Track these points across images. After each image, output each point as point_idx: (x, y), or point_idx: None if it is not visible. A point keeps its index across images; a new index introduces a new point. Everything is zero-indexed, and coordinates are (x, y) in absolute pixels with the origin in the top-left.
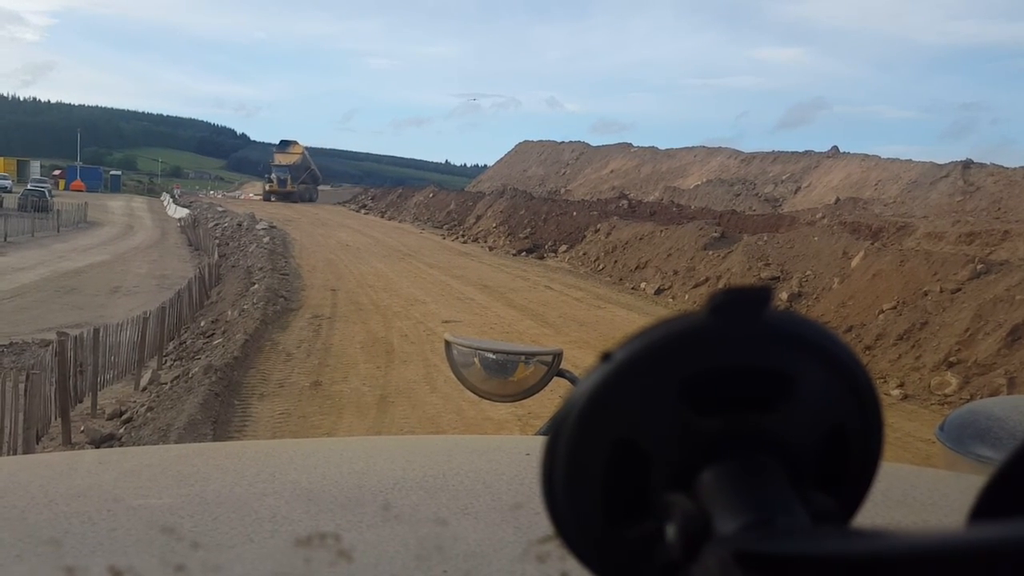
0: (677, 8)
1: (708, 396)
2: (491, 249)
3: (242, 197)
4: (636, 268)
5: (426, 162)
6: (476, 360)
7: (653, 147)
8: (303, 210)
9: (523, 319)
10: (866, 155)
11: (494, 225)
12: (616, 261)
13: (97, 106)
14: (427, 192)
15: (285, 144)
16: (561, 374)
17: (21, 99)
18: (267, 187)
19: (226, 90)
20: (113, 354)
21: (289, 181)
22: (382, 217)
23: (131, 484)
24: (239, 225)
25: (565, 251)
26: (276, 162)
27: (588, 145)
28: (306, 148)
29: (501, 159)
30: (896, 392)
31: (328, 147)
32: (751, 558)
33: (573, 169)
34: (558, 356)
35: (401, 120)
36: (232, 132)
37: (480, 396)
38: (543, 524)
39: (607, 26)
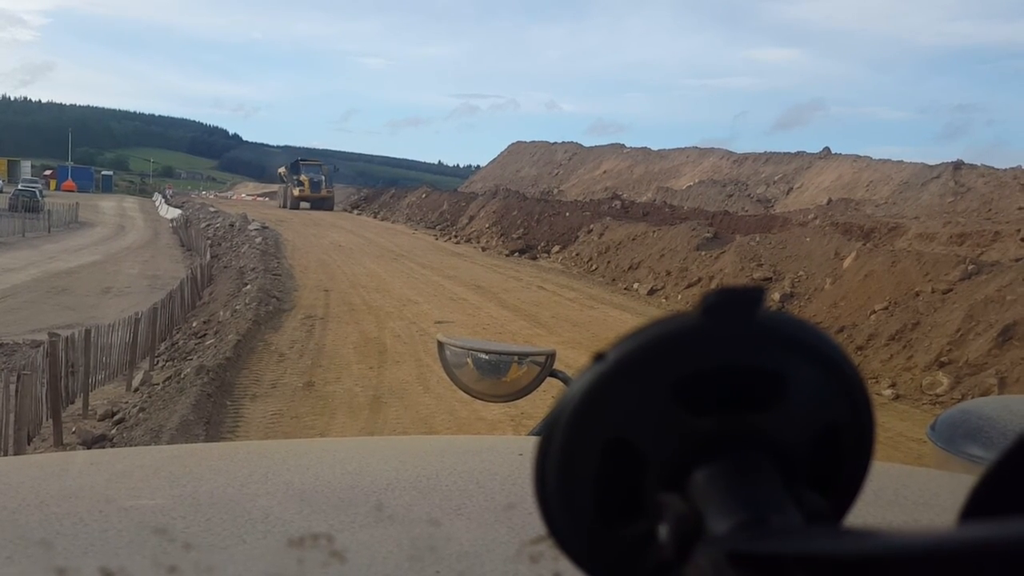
0: (674, 8)
1: (701, 396)
2: (484, 250)
3: (233, 197)
4: (629, 268)
5: (419, 162)
6: (469, 360)
7: (646, 148)
8: (296, 211)
9: (516, 319)
10: (858, 156)
11: (487, 226)
12: (609, 262)
13: (88, 106)
14: (420, 193)
15: (302, 164)
16: (554, 374)
17: (12, 99)
18: (296, 191)
19: (221, 90)
20: (104, 355)
21: (324, 183)
22: (375, 217)
23: (123, 485)
24: (231, 225)
25: (558, 251)
26: (281, 171)
27: (581, 146)
28: (301, 149)
29: (494, 159)
30: (888, 392)
31: (322, 147)
32: (744, 558)
33: (566, 170)
34: (551, 356)
35: (398, 121)
36: (224, 132)
37: (473, 396)
38: (536, 524)
39: (604, 27)
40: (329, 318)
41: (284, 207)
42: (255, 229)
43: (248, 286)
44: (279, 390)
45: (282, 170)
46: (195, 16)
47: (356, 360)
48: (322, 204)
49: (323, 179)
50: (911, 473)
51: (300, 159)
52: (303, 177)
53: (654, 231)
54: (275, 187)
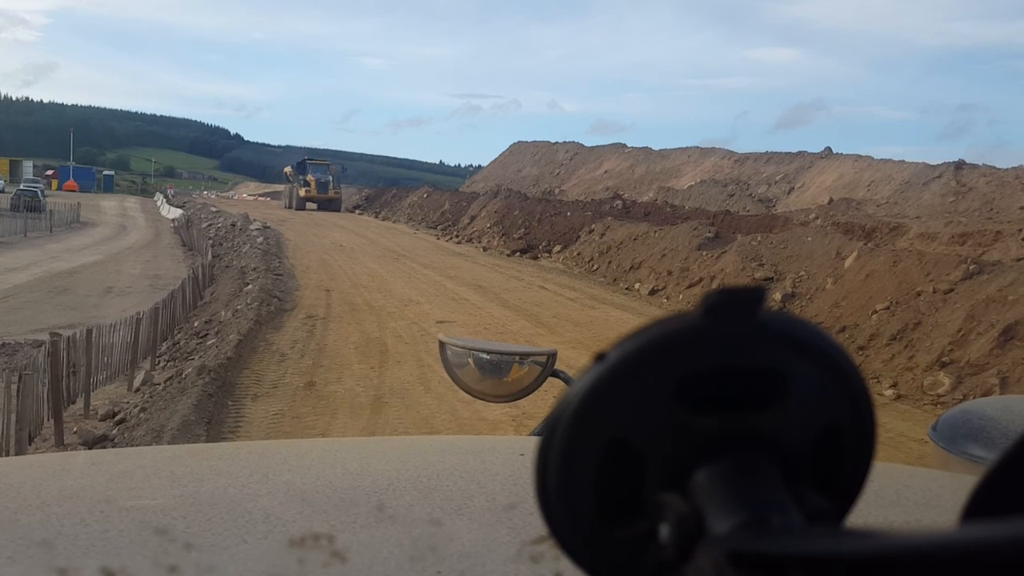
0: (675, 9)
1: (702, 396)
2: (485, 249)
3: (235, 197)
4: (630, 268)
5: (420, 162)
6: (470, 360)
7: (647, 147)
8: (299, 211)
9: (517, 319)
10: (859, 156)
11: (488, 225)
12: (610, 261)
13: (90, 106)
14: (421, 192)
15: (309, 163)
16: (555, 374)
17: (14, 99)
18: (302, 191)
19: (223, 90)
20: (106, 355)
21: (331, 184)
22: (376, 217)
23: (124, 485)
24: (232, 225)
25: (559, 251)
26: (287, 171)
27: (582, 145)
28: (302, 149)
29: (495, 159)
30: (889, 392)
31: (323, 147)
32: (745, 557)
33: (567, 169)
34: (552, 356)
35: (399, 120)
36: (225, 132)
37: (474, 396)
38: (537, 524)
39: (605, 27)
40: (330, 318)
41: (290, 208)
42: (256, 229)
43: (249, 286)
44: (280, 390)
45: (288, 169)
46: (196, 16)
47: (357, 360)
48: (329, 205)
49: (330, 179)
50: (913, 473)
51: (307, 158)
52: (310, 177)
53: (655, 231)
54: (277, 187)
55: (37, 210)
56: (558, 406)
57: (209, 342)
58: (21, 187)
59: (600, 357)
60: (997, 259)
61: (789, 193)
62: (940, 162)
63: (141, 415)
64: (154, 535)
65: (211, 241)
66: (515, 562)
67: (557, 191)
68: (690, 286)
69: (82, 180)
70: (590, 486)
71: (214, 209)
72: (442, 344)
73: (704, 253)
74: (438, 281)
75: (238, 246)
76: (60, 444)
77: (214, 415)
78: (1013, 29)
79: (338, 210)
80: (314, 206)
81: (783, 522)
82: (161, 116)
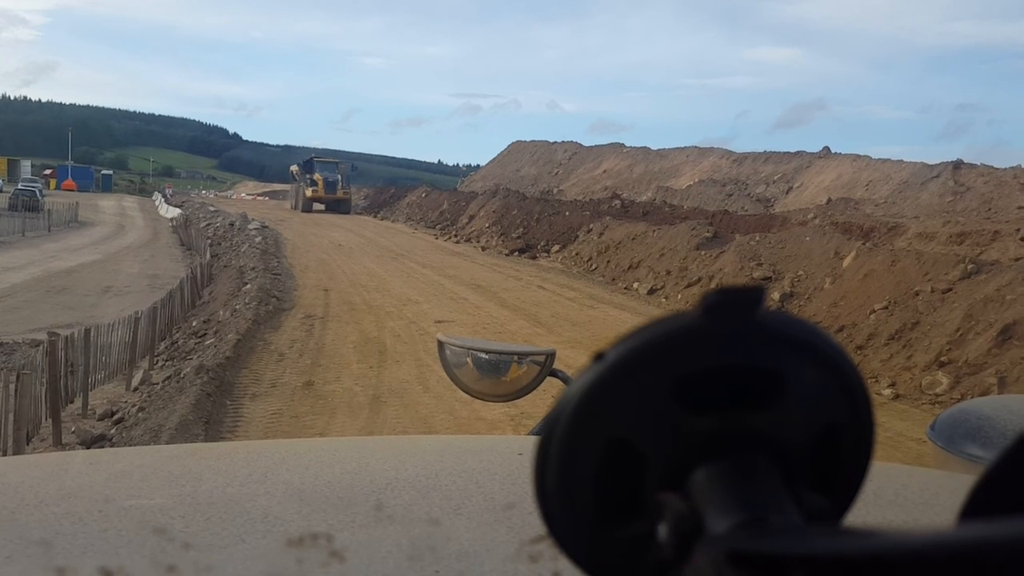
0: (675, 8)
1: (701, 395)
2: (484, 249)
3: (234, 197)
4: (629, 268)
5: (419, 162)
6: (469, 360)
7: (645, 147)
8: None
9: (516, 319)
10: (857, 155)
11: (487, 225)
12: (609, 261)
13: (88, 105)
14: (420, 192)
15: (316, 162)
16: (554, 374)
17: (12, 98)
18: (309, 191)
19: (223, 90)
20: (104, 354)
21: (340, 183)
22: (374, 217)
23: (122, 485)
24: (231, 225)
25: (558, 251)
26: (294, 169)
27: (581, 145)
28: (301, 149)
29: (494, 159)
30: (887, 392)
31: (323, 147)
32: (743, 557)
33: (566, 169)
34: (551, 356)
35: (399, 120)
36: (224, 131)
37: (473, 396)
38: (536, 524)
39: (605, 26)
40: (329, 317)
41: (296, 209)
42: (255, 228)
43: (248, 285)
44: (279, 389)
45: (294, 168)
46: (196, 15)
47: (356, 359)
48: (338, 206)
49: (339, 179)
50: (911, 473)
51: (314, 156)
52: (317, 176)
53: (654, 230)
54: (276, 186)
55: (35, 209)
56: (557, 406)
57: (207, 341)
58: (19, 186)
59: (599, 357)
60: (995, 259)
61: (787, 193)
62: (938, 162)
63: (139, 415)
64: (152, 535)
65: (209, 241)
66: (514, 561)
67: (556, 191)
68: (688, 286)
69: (80, 179)
70: (589, 486)
71: (212, 209)
72: (441, 344)
73: (703, 253)
74: (436, 281)
75: (236, 246)
76: (58, 444)
77: (212, 414)
78: (1013, 29)
79: (348, 212)
80: (321, 207)
81: (782, 522)
82: (160, 115)
